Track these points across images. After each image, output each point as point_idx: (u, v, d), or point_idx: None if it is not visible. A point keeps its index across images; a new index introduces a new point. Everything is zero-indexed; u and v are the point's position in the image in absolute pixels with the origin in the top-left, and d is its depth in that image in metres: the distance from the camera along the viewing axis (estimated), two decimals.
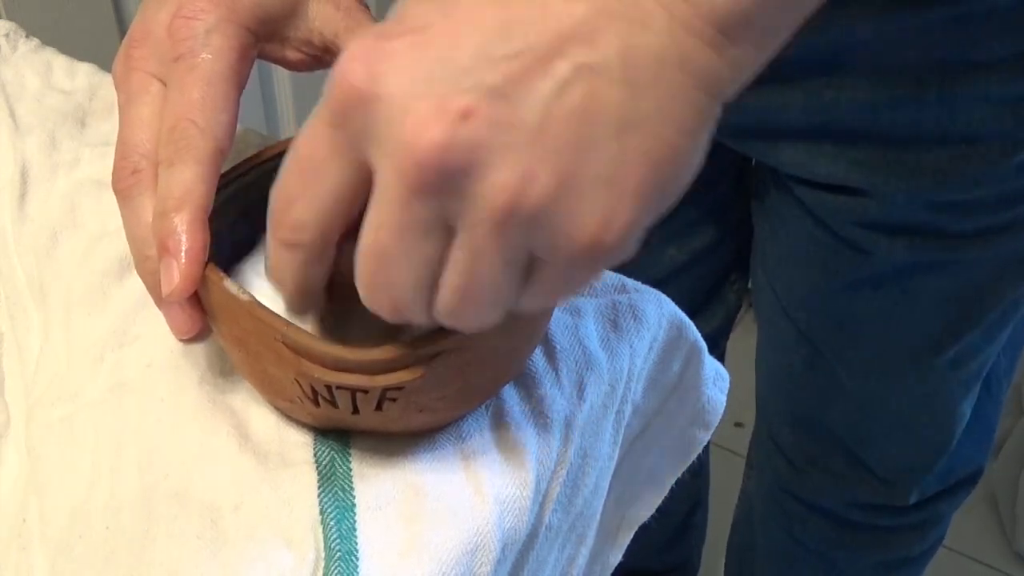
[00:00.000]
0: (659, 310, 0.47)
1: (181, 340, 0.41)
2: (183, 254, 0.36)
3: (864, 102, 0.60)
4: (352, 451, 0.39)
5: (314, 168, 0.32)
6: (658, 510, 0.55)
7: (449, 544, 0.37)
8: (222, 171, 0.40)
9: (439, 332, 0.35)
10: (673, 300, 0.48)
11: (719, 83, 0.31)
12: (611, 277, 0.48)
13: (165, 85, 0.40)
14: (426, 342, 0.35)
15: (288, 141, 0.41)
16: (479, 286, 0.31)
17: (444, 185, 0.29)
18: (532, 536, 0.42)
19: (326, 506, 0.37)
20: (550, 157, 0.29)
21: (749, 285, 0.89)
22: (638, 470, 0.53)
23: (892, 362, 0.77)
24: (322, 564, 0.36)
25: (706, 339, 0.50)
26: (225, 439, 0.39)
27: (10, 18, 0.66)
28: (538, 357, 0.43)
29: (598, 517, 0.48)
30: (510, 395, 0.42)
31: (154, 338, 0.42)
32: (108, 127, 0.53)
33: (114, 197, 0.40)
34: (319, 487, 0.38)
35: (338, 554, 0.36)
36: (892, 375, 0.78)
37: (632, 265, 0.48)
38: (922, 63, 0.58)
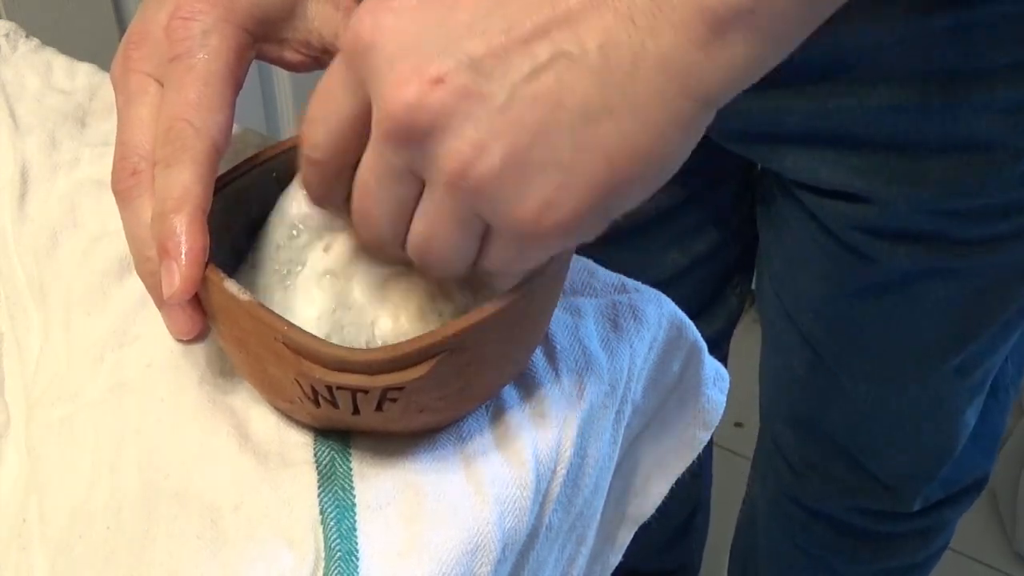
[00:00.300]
0: (659, 310, 0.47)
1: (181, 341, 0.41)
2: (183, 256, 0.36)
3: (867, 108, 0.60)
4: (352, 451, 0.39)
5: (328, 97, 0.35)
6: (658, 511, 0.55)
7: (449, 544, 0.37)
8: (222, 171, 0.40)
9: (439, 331, 0.35)
10: (675, 303, 0.48)
11: (704, 87, 0.31)
12: (611, 277, 0.48)
13: (163, 86, 0.40)
14: (427, 342, 0.35)
15: (288, 141, 0.41)
16: (438, 237, 0.34)
17: (410, 141, 0.32)
18: (532, 536, 0.42)
19: (326, 506, 0.37)
20: (507, 134, 0.31)
21: (752, 287, 0.89)
22: (638, 470, 0.53)
23: (895, 369, 0.77)
24: (322, 564, 0.36)
25: (708, 342, 0.50)
26: (225, 439, 0.39)
27: (10, 18, 0.66)
28: (538, 357, 0.43)
29: (598, 517, 0.48)
30: (510, 395, 0.42)
31: (154, 338, 0.42)
32: (108, 127, 0.53)
33: (114, 197, 0.40)
34: (319, 487, 0.38)
35: (338, 554, 0.36)
36: (895, 382, 0.78)
37: (634, 267, 0.48)
38: (925, 70, 0.58)
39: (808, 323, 0.78)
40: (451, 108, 0.31)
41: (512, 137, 0.31)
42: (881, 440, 0.84)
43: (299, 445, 0.39)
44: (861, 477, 0.86)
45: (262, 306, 0.36)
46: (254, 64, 0.43)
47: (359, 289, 0.39)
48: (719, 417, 0.52)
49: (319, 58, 0.44)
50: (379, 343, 0.39)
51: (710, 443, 0.54)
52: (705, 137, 0.33)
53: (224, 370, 0.41)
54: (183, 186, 0.37)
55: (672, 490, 0.55)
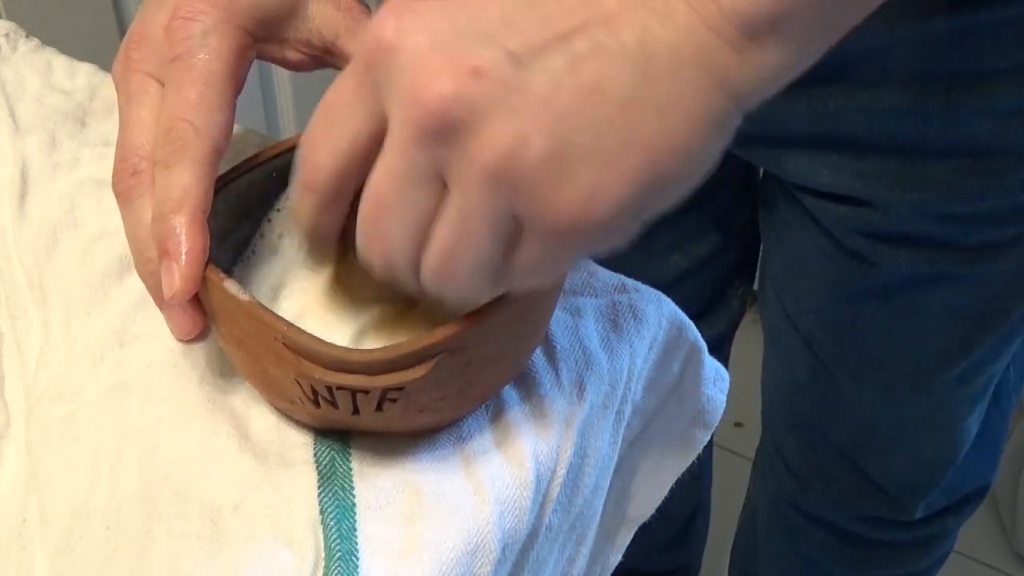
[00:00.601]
0: (659, 310, 0.47)
1: (181, 341, 0.41)
2: (183, 256, 0.36)
3: (869, 112, 0.60)
4: (352, 451, 0.39)
5: (336, 115, 0.33)
6: (659, 511, 0.55)
7: (449, 544, 0.37)
8: (222, 171, 0.40)
9: (439, 331, 0.35)
10: (676, 305, 0.48)
11: (737, 87, 0.31)
12: (611, 277, 0.48)
13: (164, 86, 0.40)
14: (427, 342, 0.35)
15: (288, 141, 0.42)
16: (464, 245, 0.32)
17: (444, 136, 0.30)
18: (532, 536, 0.42)
19: (326, 506, 0.37)
20: (549, 125, 0.30)
21: (753, 288, 0.89)
22: (638, 470, 0.53)
23: (897, 376, 0.77)
24: (322, 564, 0.36)
25: (709, 344, 0.50)
26: (225, 439, 0.39)
27: (10, 18, 0.66)
28: (538, 357, 0.43)
29: (598, 517, 0.48)
30: (510, 395, 0.42)
31: (154, 338, 0.42)
32: (108, 127, 0.53)
33: (114, 197, 0.40)
34: (319, 487, 0.38)
35: (338, 554, 0.36)
36: (897, 389, 0.78)
37: (635, 270, 0.48)
38: (927, 74, 0.57)
39: (809, 326, 0.77)
40: (491, 100, 0.30)
41: (554, 128, 0.30)
42: (883, 447, 0.83)
43: (299, 445, 0.39)
44: (863, 484, 0.86)
45: (262, 306, 0.36)
46: (254, 64, 0.43)
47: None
48: (719, 417, 0.52)
49: (320, 58, 0.44)
50: None
51: (710, 443, 0.54)
52: None
53: (224, 370, 0.41)
54: (183, 187, 0.37)
55: (672, 490, 0.55)
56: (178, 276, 0.36)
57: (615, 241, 0.33)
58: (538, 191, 0.31)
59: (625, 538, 0.55)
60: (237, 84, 0.41)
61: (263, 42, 0.42)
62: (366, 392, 0.35)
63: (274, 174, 0.42)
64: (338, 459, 0.39)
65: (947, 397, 0.78)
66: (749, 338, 0.94)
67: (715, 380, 0.51)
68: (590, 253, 0.34)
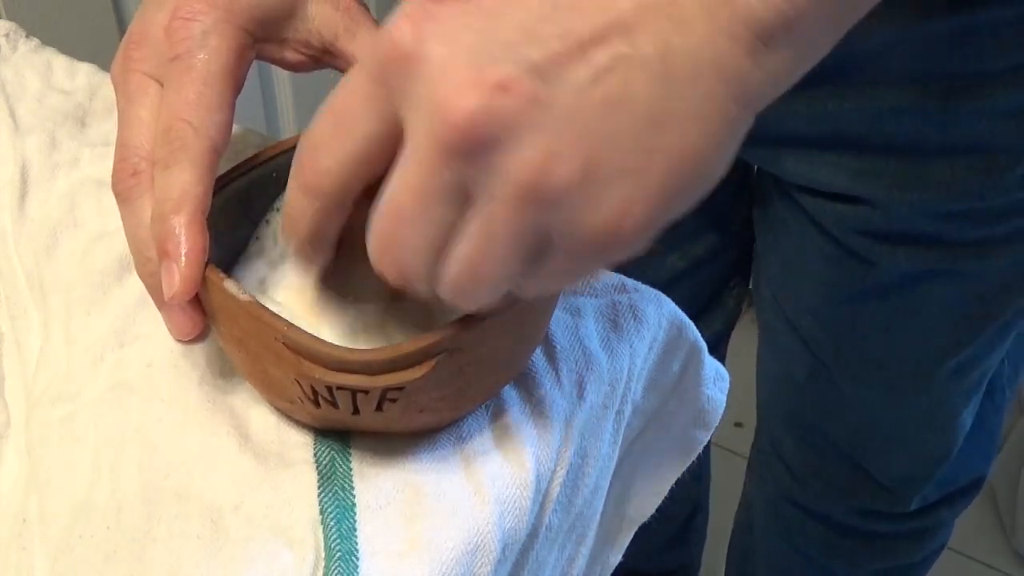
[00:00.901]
0: (659, 310, 0.47)
1: (181, 341, 0.41)
2: (183, 257, 0.36)
3: (867, 112, 0.60)
4: (352, 451, 0.39)
5: (346, 118, 0.32)
6: (658, 511, 0.55)
7: (449, 544, 0.37)
8: (222, 171, 0.40)
9: (439, 331, 0.35)
10: None
11: (751, 93, 0.31)
12: (611, 277, 0.48)
13: (163, 86, 0.40)
14: (427, 342, 0.35)
15: (288, 141, 0.42)
16: (486, 259, 0.31)
17: (472, 153, 0.30)
18: (532, 536, 0.42)
19: (326, 506, 0.37)
20: (578, 142, 0.29)
21: (749, 287, 0.89)
22: (638, 470, 0.53)
23: (894, 372, 0.77)
24: (322, 564, 0.36)
25: (707, 344, 0.50)
26: (225, 439, 0.39)
27: (10, 18, 0.66)
28: (538, 357, 0.43)
29: (598, 517, 0.48)
30: (510, 395, 0.42)
31: (154, 338, 0.42)
32: (108, 127, 0.53)
33: (114, 197, 0.40)
34: (319, 487, 0.38)
35: (338, 554, 0.36)
36: (894, 385, 0.78)
37: (633, 271, 0.48)
38: (926, 74, 0.58)
39: (807, 326, 0.77)
40: (519, 116, 0.29)
41: (584, 143, 0.29)
42: (880, 443, 0.84)
43: (299, 445, 0.39)
44: (860, 479, 0.86)
45: (262, 306, 0.36)
46: (254, 64, 0.43)
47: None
48: (719, 417, 0.52)
49: (319, 58, 0.44)
50: None
51: (709, 443, 0.54)
52: None
53: (224, 370, 0.41)
54: (182, 187, 0.37)
55: (672, 490, 0.55)
56: (178, 276, 0.36)
57: (637, 251, 0.32)
58: (570, 209, 0.30)
59: (625, 538, 0.55)
60: (237, 84, 0.41)
61: (263, 42, 0.42)
62: (366, 392, 0.35)
63: (274, 174, 0.42)
64: (338, 459, 0.39)
65: (943, 391, 0.78)
66: (749, 338, 0.94)
67: (715, 380, 0.51)
68: (613, 263, 0.34)
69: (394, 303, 0.40)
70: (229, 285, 0.36)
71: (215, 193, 0.39)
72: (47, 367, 0.43)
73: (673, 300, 0.48)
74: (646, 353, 0.46)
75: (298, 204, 0.34)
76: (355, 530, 0.37)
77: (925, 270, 0.68)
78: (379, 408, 0.36)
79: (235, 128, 0.41)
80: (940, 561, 0.99)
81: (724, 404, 0.52)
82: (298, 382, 0.36)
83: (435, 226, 0.31)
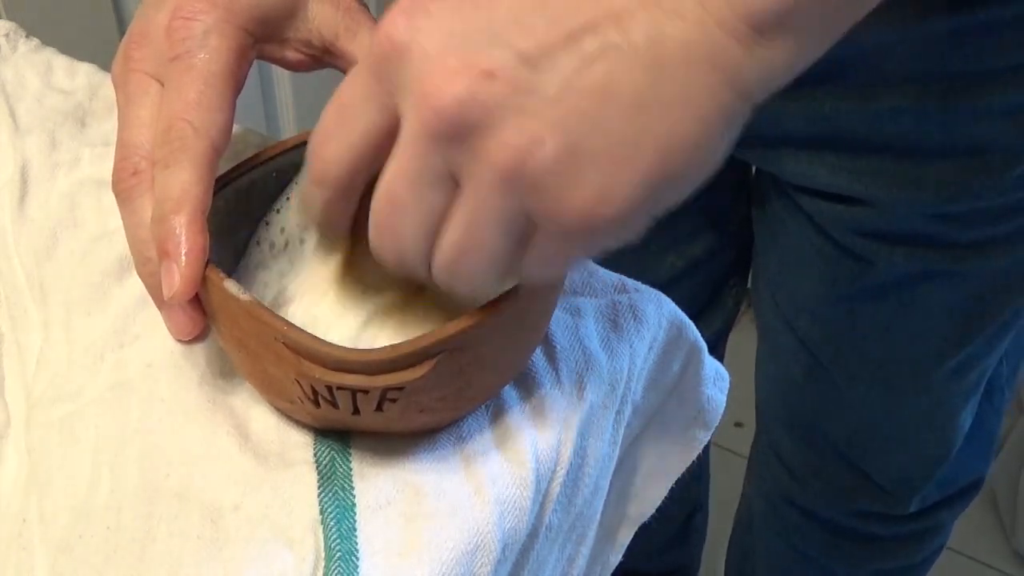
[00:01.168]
0: (659, 310, 0.47)
1: (181, 341, 0.41)
2: (183, 257, 0.36)
3: (866, 112, 0.60)
4: (352, 451, 0.39)
5: (349, 111, 0.34)
6: (658, 511, 0.55)
7: (449, 544, 0.37)
8: (222, 171, 0.40)
9: (440, 331, 0.35)
10: None
11: (746, 82, 0.31)
12: (611, 277, 0.48)
13: (163, 86, 0.40)
14: (427, 342, 0.35)
15: (288, 141, 0.42)
16: (476, 244, 0.32)
17: (457, 137, 0.31)
18: (532, 536, 0.42)
19: (326, 506, 0.37)
20: (561, 126, 0.30)
21: (748, 285, 0.89)
22: (638, 470, 0.53)
23: (893, 372, 0.77)
24: (322, 564, 0.36)
25: (706, 344, 0.50)
26: (225, 439, 0.39)
27: (10, 18, 0.66)
28: (538, 357, 0.43)
29: (598, 517, 0.48)
30: (510, 395, 0.42)
31: (154, 338, 0.42)
32: (108, 127, 0.53)
33: (114, 197, 0.40)
34: (319, 487, 0.38)
35: (338, 554, 0.36)
36: (893, 385, 0.78)
37: (632, 271, 0.48)
38: (925, 74, 0.58)
39: (805, 326, 0.77)
40: (503, 101, 0.30)
41: (566, 128, 0.30)
42: (879, 444, 0.84)
43: (299, 445, 0.39)
44: (859, 480, 0.86)
45: (262, 306, 0.36)
46: (254, 64, 0.43)
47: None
48: (719, 417, 0.52)
49: (320, 58, 0.44)
50: None
51: (709, 443, 0.54)
52: None
53: (224, 370, 0.41)
54: (182, 187, 0.37)
55: (672, 491, 0.55)
56: (178, 276, 0.36)
57: (626, 237, 0.33)
58: (550, 192, 0.31)
59: (625, 538, 0.55)
60: (237, 84, 0.41)
61: (263, 42, 0.42)
62: (366, 392, 0.35)
63: (274, 174, 0.42)
64: (338, 459, 0.39)
65: (942, 392, 0.78)
66: (749, 337, 0.94)
67: (715, 380, 0.51)
68: (602, 249, 0.34)
69: (418, 293, 0.40)
70: (229, 285, 0.36)
71: (215, 193, 0.39)
72: (47, 367, 0.43)
73: (672, 300, 0.48)
74: (646, 353, 0.46)
75: (310, 193, 0.36)
76: (355, 530, 0.37)
77: (924, 270, 0.68)
78: (379, 408, 0.36)
79: (235, 128, 0.41)
80: (940, 561, 0.99)
81: (724, 404, 0.52)
82: (298, 382, 0.36)
83: (427, 211, 0.33)
